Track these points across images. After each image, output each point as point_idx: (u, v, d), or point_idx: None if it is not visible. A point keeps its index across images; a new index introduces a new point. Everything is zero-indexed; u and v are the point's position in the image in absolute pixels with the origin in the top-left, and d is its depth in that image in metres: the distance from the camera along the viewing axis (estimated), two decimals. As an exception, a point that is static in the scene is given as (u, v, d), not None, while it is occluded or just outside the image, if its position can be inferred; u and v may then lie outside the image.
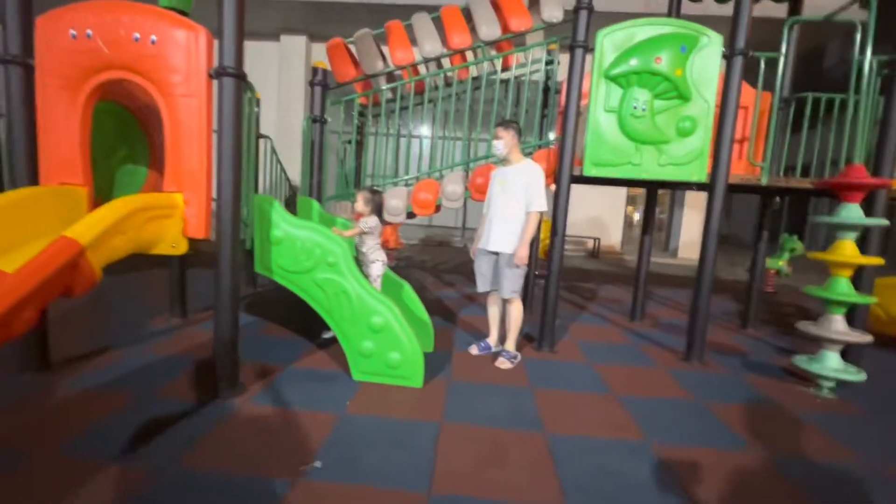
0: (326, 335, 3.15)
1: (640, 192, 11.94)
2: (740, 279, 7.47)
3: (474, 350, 3.02)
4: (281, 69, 9.58)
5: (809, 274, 8.08)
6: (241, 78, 2.07)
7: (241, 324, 3.37)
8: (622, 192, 10.56)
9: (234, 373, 2.23)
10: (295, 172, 9.29)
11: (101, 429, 1.85)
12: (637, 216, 14.74)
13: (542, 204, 2.73)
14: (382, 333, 2.36)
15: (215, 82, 2.07)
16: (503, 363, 2.81)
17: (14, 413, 1.93)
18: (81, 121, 2.14)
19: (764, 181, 3.13)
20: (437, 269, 6.69)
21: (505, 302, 2.88)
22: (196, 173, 2.08)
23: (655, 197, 4.11)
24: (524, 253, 2.69)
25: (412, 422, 2.05)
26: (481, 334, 3.43)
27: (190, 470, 1.61)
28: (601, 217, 10.53)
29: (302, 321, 3.36)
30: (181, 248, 2.14)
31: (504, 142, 2.76)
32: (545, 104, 4.01)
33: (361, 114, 4.02)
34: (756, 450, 2.00)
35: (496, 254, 2.82)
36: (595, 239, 10.29)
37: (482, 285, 2.94)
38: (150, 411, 2.00)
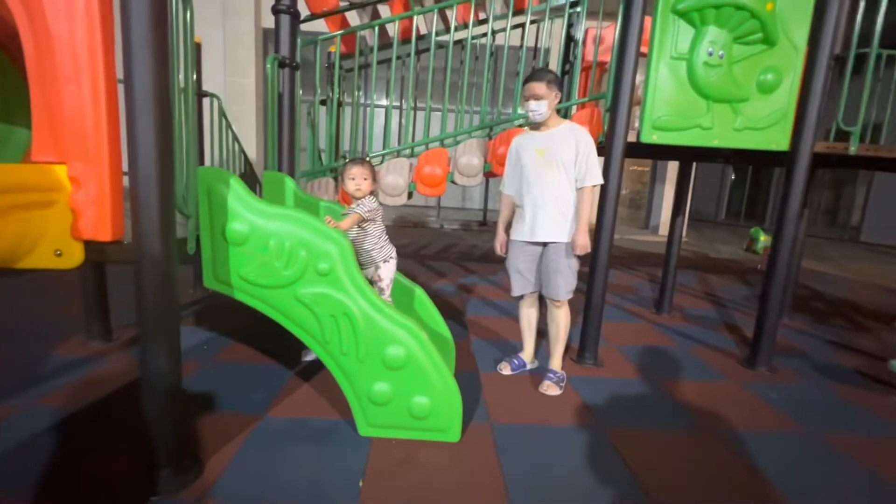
0: (308, 357, 2.37)
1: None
2: (731, 258, 7.24)
3: (506, 369, 2.35)
4: (226, 26, 8.21)
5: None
6: (161, -39, 1.20)
7: (190, 345, 2.55)
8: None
9: (181, 448, 1.42)
10: (248, 144, 8.11)
11: None
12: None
13: (599, 175, 2.09)
14: (404, 371, 1.62)
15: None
16: (551, 388, 2.16)
17: None
18: None
19: (853, 150, 2.58)
20: (420, 255, 5.93)
21: (551, 306, 2.22)
22: (87, 129, 1.21)
23: (692, 171, 3.53)
24: (586, 240, 2.06)
25: (469, 515, 1.35)
26: (503, 342, 2.77)
27: None
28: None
29: (274, 335, 2.54)
30: (72, 256, 1.28)
31: (548, 102, 2.04)
32: (566, 58, 3.28)
33: (333, 65, 3.12)
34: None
35: (543, 245, 2.14)
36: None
37: (521, 287, 2.25)
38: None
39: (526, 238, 2.16)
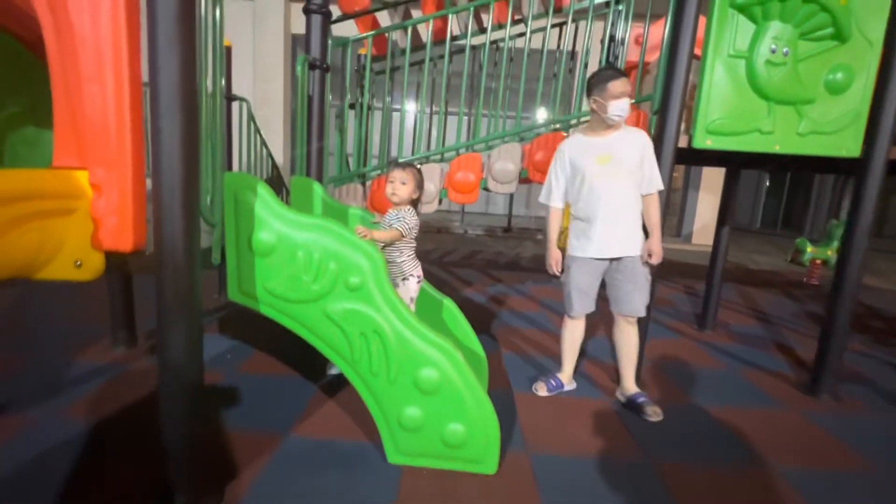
0: (333, 370, 2.27)
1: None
2: (772, 270, 6.85)
3: (542, 390, 2.19)
4: (256, 31, 8.33)
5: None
6: (190, -47, 1.11)
7: (213, 354, 2.48)
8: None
9: (198, 474, 1.33)
10: (275, 149, 8.18)
11: None
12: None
13: (661, 181, 1.97)
14: (437, 395, 1.49)
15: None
16: (656, 412, 2.00)
17: None
18: None
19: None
20: (444, 261, 5.81)
21: (623, 323, 2.08)
22: (110, 132, 1.13)
23: (738, 177, 3.29)
24: (660, 248, 1.95)
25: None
26: (537, 358, 2.61)
27: None
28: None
29: (299, 344, 2.45)
30: (92, 267, 1.21)
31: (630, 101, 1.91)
32: (607, 58, 3.12)
33: (363, 68, 3.03)
34: None
35: (610, 260, 2.01)
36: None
37: (584, 307, 2.09)
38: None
39: (595, 254, 1.99)
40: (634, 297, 2.00)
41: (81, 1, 1.09)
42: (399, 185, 1.78)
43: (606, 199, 1.94)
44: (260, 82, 8.28)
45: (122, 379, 2.08)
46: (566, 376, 2.23)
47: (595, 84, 1.91)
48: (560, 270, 2.10)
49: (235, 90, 3.41)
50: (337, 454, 1.63)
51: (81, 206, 1.17)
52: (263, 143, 3.64)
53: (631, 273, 1.99)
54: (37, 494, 1.34)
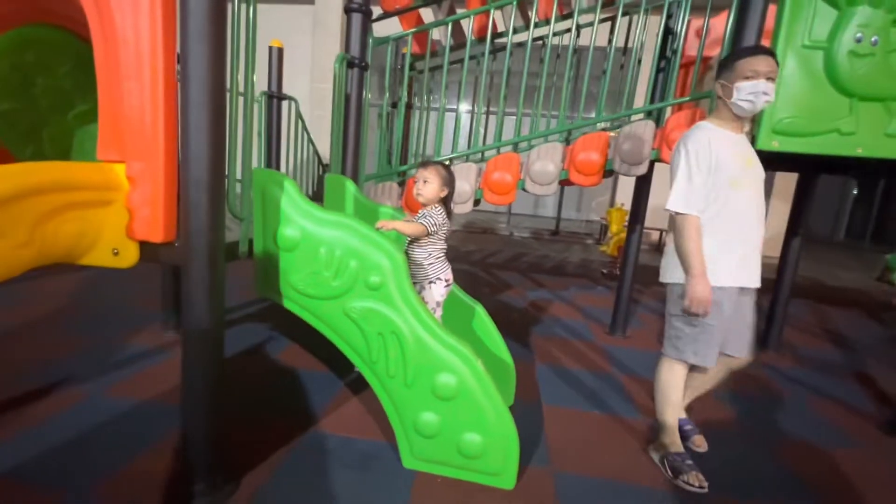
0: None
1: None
2: (856, 287, 6.13)
3: (695, 479, 1.55)
4: (315, 35, 8.68)
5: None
6: (221, -48, 1.14)
7: (250, 344, 2.59)
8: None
9: (216, 466, 1.36)
10: (328, 148, 8.48)
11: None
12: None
13: None
14: (455, 402, 1.44)
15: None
16: (702, 442, 1.83)
17: None
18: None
19: None
20: (486, 262, 5.72)
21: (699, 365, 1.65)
22: (146, 127, 1.18)
23: (814, 184, 2.95)
24: None
25: None
26: (572, 371, 2.46)
27: None
28: (663, 204, 9.18)
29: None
30: (128, 256, 1.27)
31: None
32: (662, 54, 2.90)
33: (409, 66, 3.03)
34: None
35: (745, 290, 1.60)
36: (660, 231, 8.99)
37: (717, 348, 1.58)
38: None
39: (746, 283, 1.54)
40: (749, 337, 1.65)
41: (124, 3, 1.14)
42: (422, 184, 1.72)
43: (757, 211, 1.52)
44: (316, 83, 8.61)
45: (166, 362, 2.21)
46: (677, 437, 1.71)
47: (724, 64, 1.52)
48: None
49: (293, 91, 3.54)
50: (354, 452, 1.62)
51: (118, 197, 1.23)
52: (310, 141, 3.75)
53: (750, 308, 1.64)
54: (70, 468, 1.44)
